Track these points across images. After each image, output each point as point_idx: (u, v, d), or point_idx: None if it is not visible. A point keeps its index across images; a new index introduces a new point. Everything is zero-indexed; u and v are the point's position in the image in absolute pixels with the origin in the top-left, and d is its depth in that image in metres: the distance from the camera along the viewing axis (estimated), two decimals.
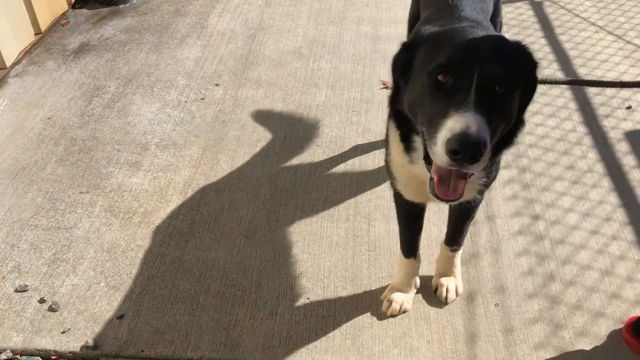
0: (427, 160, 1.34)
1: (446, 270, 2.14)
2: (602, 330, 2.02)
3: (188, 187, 2.65)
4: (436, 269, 2.18)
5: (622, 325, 2.01)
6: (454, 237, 2.04)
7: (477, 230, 2.39)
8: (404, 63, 1.42)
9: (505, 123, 1.33)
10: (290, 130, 2.98)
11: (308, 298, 2.16)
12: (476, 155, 1.15)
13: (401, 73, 1.43)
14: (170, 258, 2.32)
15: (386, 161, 1.77)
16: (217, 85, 3.32)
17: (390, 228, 2.41)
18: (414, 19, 2.30)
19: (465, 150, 1.14)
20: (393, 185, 1.81)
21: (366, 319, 2.08)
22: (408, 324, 2.06)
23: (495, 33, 1.51)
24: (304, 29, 3.85)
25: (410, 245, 2.02)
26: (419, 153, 1.46)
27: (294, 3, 4.17)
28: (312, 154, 2.82)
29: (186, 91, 3.28)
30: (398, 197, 1.83)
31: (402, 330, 2.04)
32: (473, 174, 1.37)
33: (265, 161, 2.79)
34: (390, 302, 2.08)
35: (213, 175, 2.72)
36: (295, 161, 2.78)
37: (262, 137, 2.94)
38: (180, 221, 2.48)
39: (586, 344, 1.98)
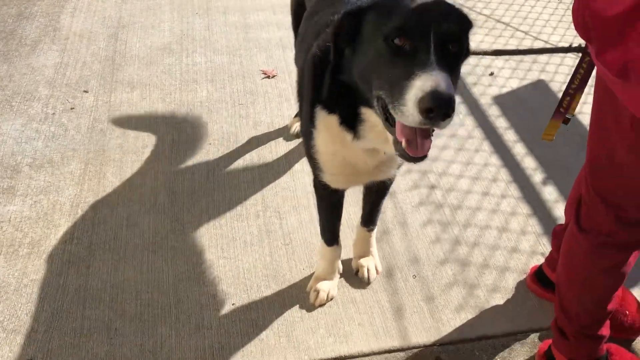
0: (390, 122, 1.31)
1: (364, 250, 2.19)
2: (509, 283, 2.19)
3: (76, 207, 2.43)
4: (355, 251, 2.22)
5: (525, 276, 2.21)
6: (371, 217, 2.09)
7: (383, 208, 2.46)
8: (349, 31, 1.37)
9: (456, 83, 1.34)
10: (177, 131, 2.84)
11: (233, 304, 2.09)
12: (449, 112, 1.15)
13: (346, 42, 1.38)
14: (73, 287, 2.12)
15: (309, 154, 1.73)
16: (85, 91, 3.06)
17: (302, 218, 2.40)
18: (298, 7, 2.28)
19: (439, 107, 1.14)
20: (317, 177, 1.79)
21: (296, 313, 2.07)
22: (337, 311, 2.09)
23: None
24: (170, 23, 3.67)
25: (332, 233, 2.03)
26: (368, 125, 1.43)
27: None
28: (206, 153, 2.71)
29: (51, 102, 2.98)
30: (322, 187, 1.82)
31: (333, 318, 2.06)
32: (433, 133, 1.36)
33: (157, 167, 2.63)
34: (317, 292, 2.09)
35: (102, 190, 2.51)
36: (189, 163, 2.66)
37: (147, 142, 2.77)
38: (75, 246, 2.27)
39: (499, 299, 2.14)
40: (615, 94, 1.36)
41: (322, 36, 1.61)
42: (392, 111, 1.25)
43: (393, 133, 1.31)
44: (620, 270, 1.63)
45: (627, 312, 1.99)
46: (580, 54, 1.73)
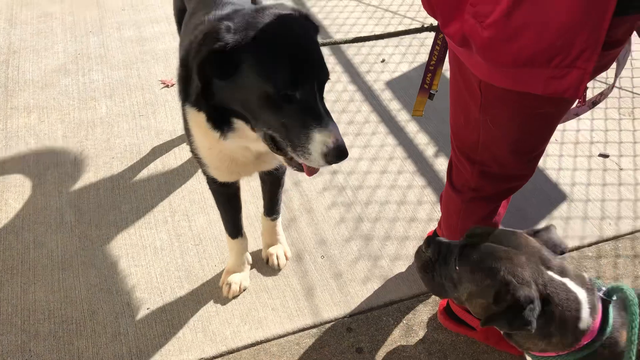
0: (276, 148, 1.50)
1: (272, 239, 2.28)
2: (410, 250, 2.35)
3: None
4: (263, 241, 2.31)
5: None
6: (271, 207, 2.18)
7: (289, 197, 2.57)
8: (218, 67, 1.40)
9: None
10: (78, 149, 2.83)
11: (148, 308, 2.13)
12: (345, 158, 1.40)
13: (216, 75, 1.42)
14: None
15: (192, 150, 1.80)
16: None
17: (210, 218, 2.47)
18: (180, 13, 2.34)
19: (341, 159, 1.39)
20: (205, 172, 1.86)
21: (211, 308, 2.14)
22: (251, 300, 2.17)
23: (285, 12, 1.50)
24: (63, 45, 3.63)
25: (234, 226, 2.11)
26: (239, 132, 1.53)
27: (43, 20, 3.88)
28: (110, 168, 2.73)
29: None
30: (212, 182, 1.90)
31: (247, 307, 2.14)
32: None
33: (60, 188, 2.62)
34: (229, 285, 2.16)
35: (5, 217, 2.48)
36: (94, 179, 2.66)
37: (49, 164, 2.75)
38: None
39: (401, 267, 2.29)
40: (462, 61, 1.52)
41: (190, 38, 1.68)
42: (293, 154, 1.43)
43: (280, 156, 1.51)
44: (491, 220, 1.80)
45: None
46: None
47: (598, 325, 1.27)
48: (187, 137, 1.79)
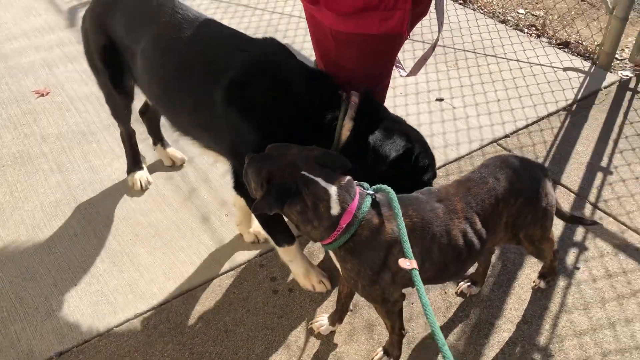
0: None
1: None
2: None
3: None
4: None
5: None
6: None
7: (184, 173, 2.85)
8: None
9: None
10: None
11: (75, 284, 2.31)
12: None
13: None
14: None
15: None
16: None
17: (115, 201, 2.67)
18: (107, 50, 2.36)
19: None
20: None
21: (134, 274, 2.36)
22: (170, 260, 2.42)
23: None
24: None
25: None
26: None
27: None
28: (4, 175, 2.81)
29: None
30: None
31: (167, 267, 2.39)
32: None
33: None
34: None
35: None
36: None
37: None
38: None
39: None
40: (315, 16, 1.94)
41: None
42: None
43: None
44: None
45: None
46: None
47: (353, 211, 1.56)
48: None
